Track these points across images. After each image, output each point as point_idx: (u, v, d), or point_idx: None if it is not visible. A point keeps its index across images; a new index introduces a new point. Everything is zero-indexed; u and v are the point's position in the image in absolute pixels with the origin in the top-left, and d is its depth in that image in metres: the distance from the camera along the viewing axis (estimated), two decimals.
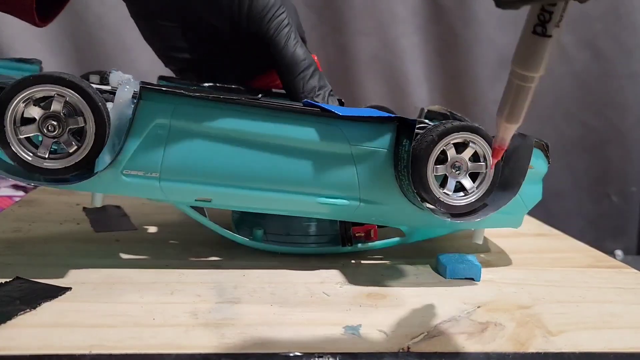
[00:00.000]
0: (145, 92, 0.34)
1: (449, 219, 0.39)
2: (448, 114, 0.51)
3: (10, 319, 0.30)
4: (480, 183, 0.39)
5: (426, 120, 0.41)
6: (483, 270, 0.41)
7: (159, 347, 0.29)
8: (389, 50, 0.78)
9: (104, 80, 0.43)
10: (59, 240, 0.43)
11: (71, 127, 0.33)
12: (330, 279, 0.39)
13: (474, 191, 0.39)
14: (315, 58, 0.47)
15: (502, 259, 0.47)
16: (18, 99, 0.32)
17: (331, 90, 0.45)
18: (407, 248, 0.45)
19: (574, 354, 0.32)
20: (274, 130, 0.37)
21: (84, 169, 0.34)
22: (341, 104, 0.47)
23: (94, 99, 0.33)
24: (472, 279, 0.41)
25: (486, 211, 0.41)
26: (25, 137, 0.33)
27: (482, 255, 0.47)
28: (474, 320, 0.34)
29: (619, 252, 0.60)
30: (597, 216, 0.80)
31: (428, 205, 0.39)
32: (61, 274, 0.36)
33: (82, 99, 0.33)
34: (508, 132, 0.29)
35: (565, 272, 0.44)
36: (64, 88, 0.33)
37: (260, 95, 0.48)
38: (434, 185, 0.38)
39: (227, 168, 0.37)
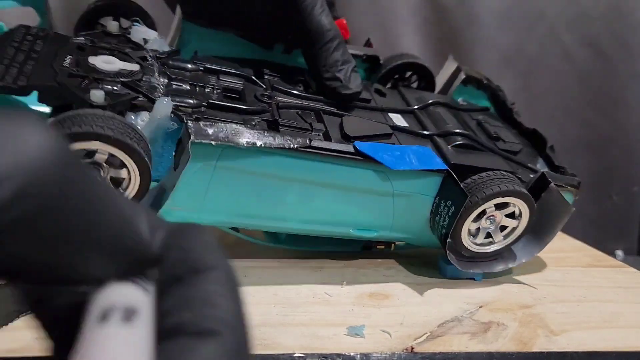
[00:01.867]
0: (194, 145, 0.31)
1: (463, 266, 0.40)
2: (485, 81, 0.51)
3: (12, 320, 0.30)
4: (508, 235, 0.40)
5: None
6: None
7: None
8: (390, 50, 0.77)
9: (125, 32, 0.40)
10: None
11: (112, 175, 0.31)
12: (332, 279, 0.39)
13: (500, 241, 0.41)
14: (344, 22, 0.44)
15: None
16: None
17: (355, 66, 0.42)
18: (408, 248, 0.45)
19: (577, 353, 0.32)
20: (320, 174, 0.36)
21: None
22: (382, 94, 0.45)
23: (140, 155, 0.31)
24: (473, 279, 0.41)
25: (509, 259, 0.41)
26: None
27: None
28: (477, 320, 0.34)
29: (619, 253, 0.60)
30: (598, 216, 0.79)
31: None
32: None
33: (127, 156, 0.31)
34: None
35: (565, 271, 0.44)
36: (108, 145, 0.30)
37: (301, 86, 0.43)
38: (466, 238, 0.39)
39: (267, 207, 0.36)
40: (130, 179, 0.31)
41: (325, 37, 0.40)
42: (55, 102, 0.33)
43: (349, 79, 0.41)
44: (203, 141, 0.31)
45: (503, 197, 0.38)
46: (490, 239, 0.40)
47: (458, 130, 0.42)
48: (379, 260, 0.43)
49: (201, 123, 0.32)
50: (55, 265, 0.13)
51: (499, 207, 0.39)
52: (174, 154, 0.34)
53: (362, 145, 0.36)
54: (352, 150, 0.36)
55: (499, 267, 0.41)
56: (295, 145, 0.34)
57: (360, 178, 0.37)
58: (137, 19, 0.41)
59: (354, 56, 0.44)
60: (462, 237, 0.39)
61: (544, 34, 0.70)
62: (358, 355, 0.29)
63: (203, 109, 0.35)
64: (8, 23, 0.38)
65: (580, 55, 0.70)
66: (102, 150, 0.30)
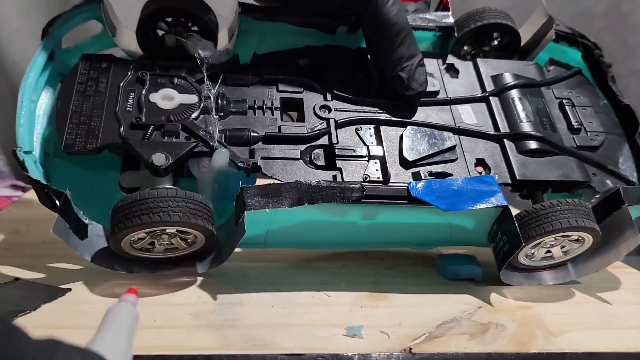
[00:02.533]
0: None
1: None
2: (579, 38, 0.46)
3: (12, 319, 0.30)
4: (567, 253, 0.40)
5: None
6: (483, 270, 0.41)
7: (162, 349, 0.28)
8: None
9: (182, 43, 0.40)
10: (58, 242, 0.43)
11: (181, 237, 0.34)
12: (331, 279, 0.39)
13: (559, 257, 0.40)
14: None
15: None
16: (142, 237, 0.33)
17: (421, 60, 0.40)
18: (407, 248, 0.45)
19: (575, 354, 0.32)
20: (377, 214, 0.37)
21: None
22: (455, 72, 0.44)
23: (210, 231, 0.34)
24: (473, 280, 0.41)
25: (565, 274, 0.41)
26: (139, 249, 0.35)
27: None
28: (475, 321, 0.34)
29: None
30: None
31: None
32: (61, 275, 0.36)
33: (199, 232, 0.34)
34: None
35: None
36: (185, 228, 0.33)
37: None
38: (523, 259, 0.39)
39: (327, 238, 0.39)
40: (196, 242, 0.35)
41: (392, 30, 0.38)
42: (124, 154, 0.37)
43: (412, 77, 0.39)
44: (257, 209, 0.33)
45: (564, 232, 0.36)
46: (550, 254, 0.39)
47: (532, 133, 0.40)
48: (378, 261, 0.43)
49: (254, 189, 0.33)
50: None
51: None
52: (234, 203, 0.35)
53: (415, 188, 0.35)
54: (405, 194, 0.35)
55: (554, 280, 0.40)
56: (347, 198, 0.34)
57: (416, 215, 0.37)
58: (194, 34, 0.41)
59: (425, 30, 0.43)
60: (519, 258, 0.39)
61: None
62: (356, 356, 0.29)
63: (260, 143, 0.37)
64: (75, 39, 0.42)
65: None
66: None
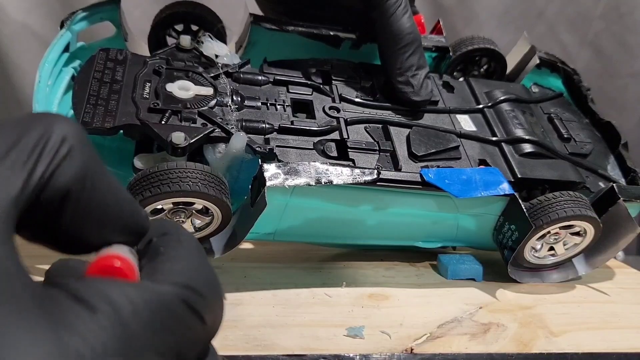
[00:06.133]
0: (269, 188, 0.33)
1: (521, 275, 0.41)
2: (559, 64, 0.50)
3: None
4: (570, 249, 0.40)
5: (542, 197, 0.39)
6: (483, 270, 0.41)
7: None
8: None
9: (198, 44, 0.41)
10: None
11: (194, 218, 0.34)
12: (331, 280, 0.39)
13: (562, 254, 0.40)
14: (422, 19, 0.44)
15: (502, 260, 0.46)
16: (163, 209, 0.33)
17: (428, 73, 0.42)
18: (407, 249, 0.45)
19: (576, 354, 0.32)
20: (389, 201, 0.37)
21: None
22: (450, 88, 0.45)
23: (228, 207, 0.33)
24: (474, 280, 0.41)
25: (569, 271, 0.41)
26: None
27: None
28: (477, 321, 0.34)
29: (619, 253, 0.60)
30: None
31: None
32: None
33: (216, 207, 0.33)
34: None
35: None
36: (204, 201, 0.33)
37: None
38: (528, 254, 0.39)
39: (338, 229, 0.38)
40: (213, 220, 0.34)
41: (404, 40, 0.40)
42: (139, 137, 0.36)
43: (420, 85, 0.41)
44: (277, 185, 0.33)
45: (569, 221, 0.38)
46: (552, 252, 0.40)
47: (527, 137, 0.42)
48: (379, 261, 0.43)
49: (274, 165, 0.33)
50: (83, 238, 0.16)
51: (565, 227, 0.38)
52: (250, 186, 0.34)
53: (428, 174, 0.36)
54: (419, 179, 0.36)
55: (558, 278, 0.41)
56: (364, 180, 0.34)
57: (426, 202, 0.37)
58: (209, 34, 0.42)
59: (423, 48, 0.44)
60: (524, 253, 0.39)
61: (543, 33, 0.70)
62: (357, 356, 0.29)
63: (275, 133, 0.37)
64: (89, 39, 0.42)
65: (580, 55, 0.70)
66: (199, 202, 0.33)
